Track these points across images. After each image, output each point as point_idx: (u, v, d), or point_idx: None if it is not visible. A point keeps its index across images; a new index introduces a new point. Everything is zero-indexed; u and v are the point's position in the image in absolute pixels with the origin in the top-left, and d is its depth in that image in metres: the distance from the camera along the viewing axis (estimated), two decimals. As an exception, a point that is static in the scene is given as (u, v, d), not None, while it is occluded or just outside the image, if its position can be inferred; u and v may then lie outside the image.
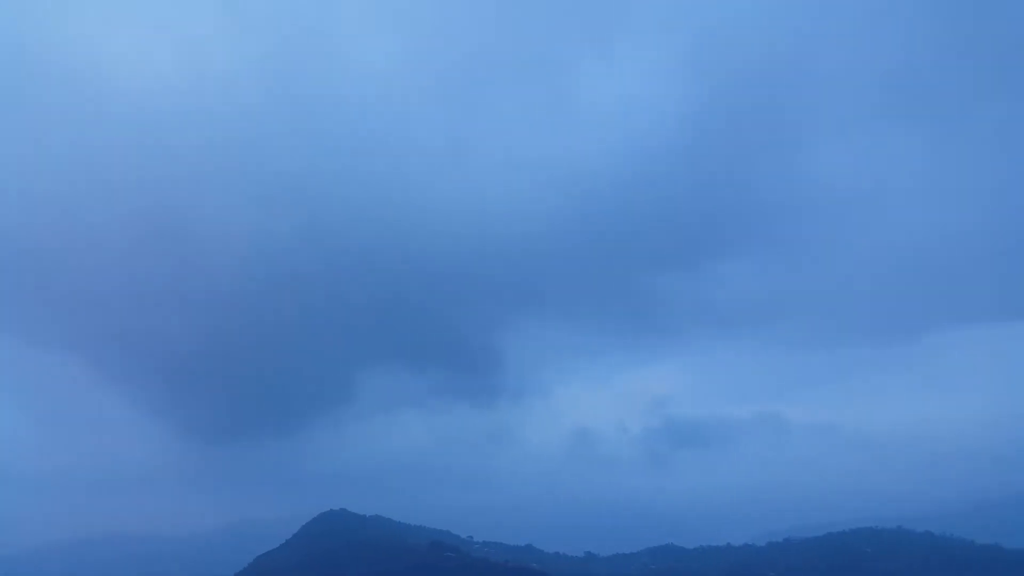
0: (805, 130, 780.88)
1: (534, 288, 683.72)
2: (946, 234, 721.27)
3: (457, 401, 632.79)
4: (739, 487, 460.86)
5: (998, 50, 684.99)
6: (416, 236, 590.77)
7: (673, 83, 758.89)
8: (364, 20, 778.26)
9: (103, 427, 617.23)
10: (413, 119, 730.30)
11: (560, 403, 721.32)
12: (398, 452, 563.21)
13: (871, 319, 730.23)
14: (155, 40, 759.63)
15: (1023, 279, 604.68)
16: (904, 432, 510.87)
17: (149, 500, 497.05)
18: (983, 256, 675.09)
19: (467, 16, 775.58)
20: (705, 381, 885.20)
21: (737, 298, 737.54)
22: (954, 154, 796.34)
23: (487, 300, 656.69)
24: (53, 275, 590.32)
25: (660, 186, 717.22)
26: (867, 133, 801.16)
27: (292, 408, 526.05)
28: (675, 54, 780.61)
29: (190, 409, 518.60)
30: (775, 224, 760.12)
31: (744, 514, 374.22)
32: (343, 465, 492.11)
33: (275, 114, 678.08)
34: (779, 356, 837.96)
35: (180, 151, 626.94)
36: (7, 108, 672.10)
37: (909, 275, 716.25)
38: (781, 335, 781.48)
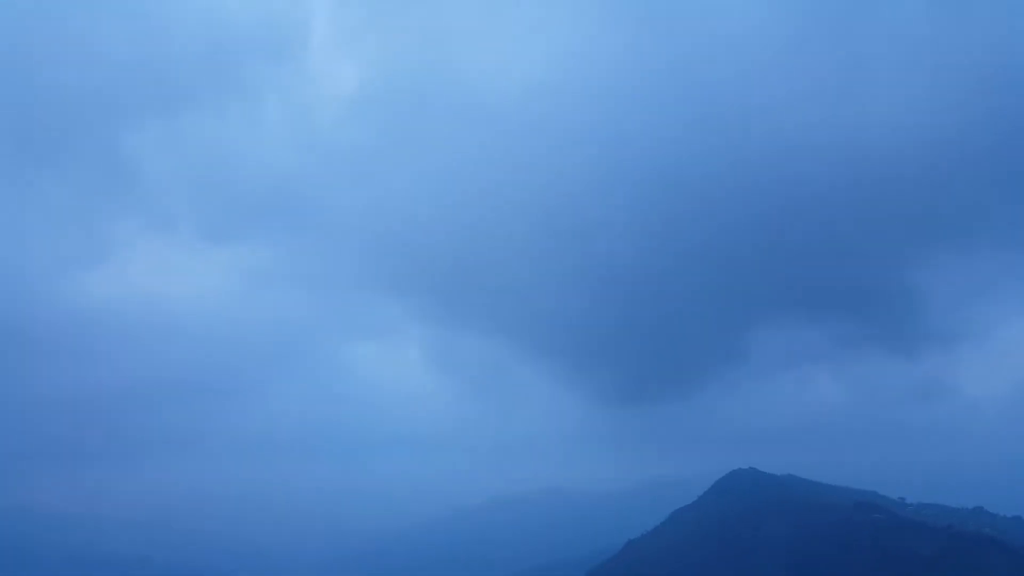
0: None
1: (956, 215, 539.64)
2: None
3: (870, 351, 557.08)
4: None
5: None
6: (808, 176, 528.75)
7: None
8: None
9: (527, 397, 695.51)
10: (797, 54, 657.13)
11: (1005, 347, 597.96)
12: (805, 409, 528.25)
13: None
14: (530, 51, 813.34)
15: None
16: None
17: (572, 460, 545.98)
18: None
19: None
20: None
21: None
22: None
23: (897, 234, 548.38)
24: (480, 270, 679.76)
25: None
26: None
27: (690, 371, 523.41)
28: None
29: (599, 378, 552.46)
30: None
31: None
32: (745, 424, 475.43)
33: (651, 94, 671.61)
34: None
35: (571, 151, 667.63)
36: (421, 129, 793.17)
37: None
38: None
